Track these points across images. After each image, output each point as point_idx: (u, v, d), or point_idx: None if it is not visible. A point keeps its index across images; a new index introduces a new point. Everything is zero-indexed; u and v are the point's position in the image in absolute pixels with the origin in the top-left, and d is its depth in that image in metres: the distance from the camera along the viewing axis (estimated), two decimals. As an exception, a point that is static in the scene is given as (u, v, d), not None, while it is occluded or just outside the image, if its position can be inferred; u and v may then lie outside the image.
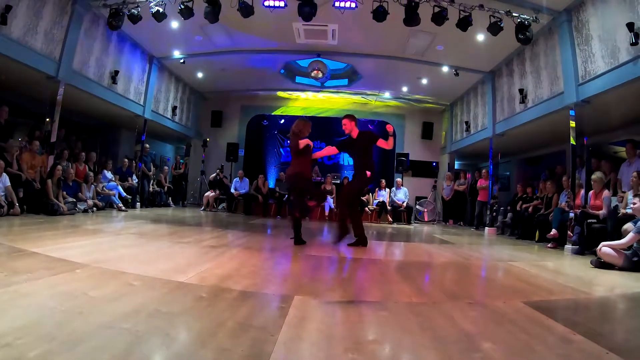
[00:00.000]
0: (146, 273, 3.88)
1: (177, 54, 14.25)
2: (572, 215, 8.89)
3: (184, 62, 14.50)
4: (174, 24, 11.35)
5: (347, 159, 21.38)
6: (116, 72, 12.30)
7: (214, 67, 15.59)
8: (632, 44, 7.50)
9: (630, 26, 7.53)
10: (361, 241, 7.24)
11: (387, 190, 15.85)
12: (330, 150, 8.05)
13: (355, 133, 7.47)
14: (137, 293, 3.20)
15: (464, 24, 9.63)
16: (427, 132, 18.89)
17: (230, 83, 17.47)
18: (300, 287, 3.93)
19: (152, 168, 15.69)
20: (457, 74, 13.88)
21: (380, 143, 7.36)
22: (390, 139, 7.38)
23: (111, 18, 10.23)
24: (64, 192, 9.81)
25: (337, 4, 9.77)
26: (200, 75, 16.49)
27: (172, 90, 16.49)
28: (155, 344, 2.26)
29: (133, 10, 10.10)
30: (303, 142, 6.96)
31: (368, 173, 7.09)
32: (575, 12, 9.40)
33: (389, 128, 7.36)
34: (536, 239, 10.42)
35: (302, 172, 6.99)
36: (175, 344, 2.29)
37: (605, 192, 8.58)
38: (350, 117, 7.57)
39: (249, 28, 11.45)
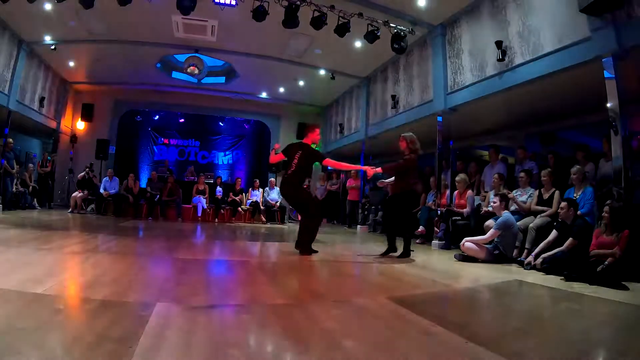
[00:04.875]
0: (1, 285, 3.60)
1: (48, 39, 13.26)
2: (438, 212, 9.60)
3: (55, 49, 13.50)
4: (47, 6, 10.60)
5: (221, 159, 21.28)
6: (-21, 56, 11.32)
7: (87, 56, 14.85)
8: (499, 60, 8.23)
9: (498, 44, 8.22)
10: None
11: (261, 190, 15.85)
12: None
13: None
14: (-11, 307, 2.98)
15: (342, 29, 9.86)
16: (302, 132, 18.88)
17: (104, 75, 16.68)
18: (164, 293, 3.85)
19: (16, 166, 14.51)
20: (333, 78, 14.23)
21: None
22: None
23: (-22, -5, 9.44)
24: None
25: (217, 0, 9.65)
26: (72, 64, 15.54)
27: (40, 78, 15.32)
28: (3, 364, 2.11)
29: (4, -12, 9.37)
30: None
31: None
32: (450, 27, 10.08)
33: (277, 146, 7.65)
34: None
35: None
36: (25, 364, 2.15)
37: (469, 192, 9.31)
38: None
39: (126, 17, 11.05)
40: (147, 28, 12.35)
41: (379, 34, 10.04)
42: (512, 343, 2.82)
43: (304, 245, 6.98)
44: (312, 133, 7.49)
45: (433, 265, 6.77)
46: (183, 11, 9.43)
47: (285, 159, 7.31)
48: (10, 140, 13.55)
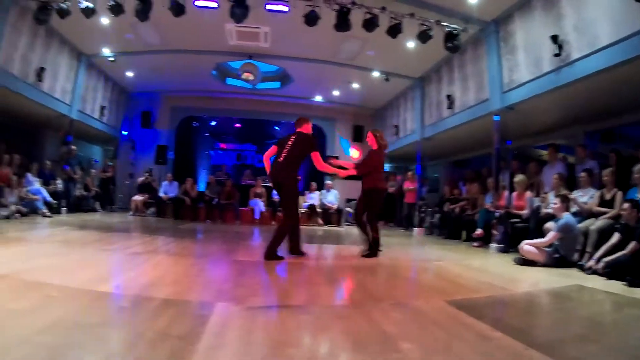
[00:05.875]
0: (68, 283, 3.78)
1: (106, 51, 13.76)
2: (496, 215, 9.27)
3: (114, 61, 14.06)
4: (104, 21, 10.92)
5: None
6: (42, 69, 11.77)
7: (144, 66, 15.24)
8: (555, 55, 7.93)
9: (554, 38, 7.92)
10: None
11: (317, 192, 15.83)
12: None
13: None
14: (57, 305, 3.11)
15: (394, 31, 9.80)
16: (358, 135, 18.89)
17: (160, 83, 17.16)
18: (223, 294, 3.92)
19: (79, 171, 15.11)
20: (387, 79, 14.05)
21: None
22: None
23: (38, 12, 9.84)
24: (-15, 197, 9.39)
25: (269, 7, 9.75)
26: (130, 74, 16.04)
27: (100, 89, 15.97)
28: (71, 358, 2.21)
29: (62, 5, 9.71)
30: None
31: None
32: (503, 24, 9.80)
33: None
34: (463, 239, 10.75)
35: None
36: (92, 358, 2.25)
37: (528, 193, 9.01)
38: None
39: (181, 27, 11.24)
40: (201, 37, 12.58)
41: (431, 33, 9.93)
42: (572, 349, 2.76)
43: (271, 249, 6.29)
44: (306, 124, 7.08)
45: (491, 268, 6.60)
46: (236, 19, 9.61)
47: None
48: (74, 147, 14.22)
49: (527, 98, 9.05)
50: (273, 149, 6.76)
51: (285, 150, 6.48)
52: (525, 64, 9.09)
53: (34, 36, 11.31)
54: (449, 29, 9.95)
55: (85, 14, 9.70)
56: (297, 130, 6.87)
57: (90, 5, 9.61)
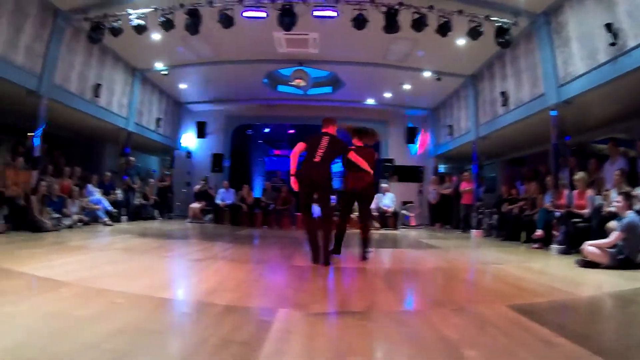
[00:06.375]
0: (131, 290, 3.87)
1: (159, 65, 14.19)
2: (557, 214, 8.89)
3: (167, 74, 14.46)
4: (155, 36, 11.25)
5: (332, 167, 21.38)
6: (98, 86, 12.25)
7: (196, 77, 15.61)
8: (611, 44, 7.62)
9: (608, 27, 7.62)
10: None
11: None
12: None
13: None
14: (122, 311, 3.20)
15: (444, 29, 9.70)
16: (411, 136, 18.85)
17: (213, 93, 17.51)
18: (285, 300, 3.93)
19: (138, 181, 15.57)
20: (439, 79, 13.91)
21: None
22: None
23: (92, 32, 10.26)
24: (49, 208, 9.71)
25: (316, 13, 9.80)
26: (183, 86, 16.47)
27: (155, 101, 16.47)
28: (138, 364, 2.25)
29: (114, 24, 10.09)
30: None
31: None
32: (554, 15, 9.53)
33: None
34: (522, 240, 10.36)
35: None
36: (158, 363, 2.29)
37: (589, 191, 8.59)
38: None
39: (230, 39, 11.42)
40: (250, 47, 12.74)
41: (481, 29, 9.77)
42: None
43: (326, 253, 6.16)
44: (333, 125, 7.00)
45: (553, 271, 6.38)
46: (285, 27, 9.73)
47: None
48: (132, 158, 14.76)
49: (584, 91, 8.73)
50: (301, 146, 6.57)
51: (321, 150, 6.39)
52: (580, 55, 8.77)
53: (88, 55, 11.83)
54: (499, 24, 9.75)
55: (137, 31, 10.04)
56: (325, 131, 6.82)
57: (142, 22, 9.92)
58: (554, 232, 8.83)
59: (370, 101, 17.84)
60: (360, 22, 9.61)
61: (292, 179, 6.48)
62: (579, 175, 8.86)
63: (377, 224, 14.90)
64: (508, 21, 9.73)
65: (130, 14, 9.94)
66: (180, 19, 9.75)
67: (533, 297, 4.27)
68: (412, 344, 2.74)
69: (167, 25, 9.80)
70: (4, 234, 8.20)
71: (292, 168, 6.58)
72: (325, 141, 6.49)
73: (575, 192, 8.92)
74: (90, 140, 15.60)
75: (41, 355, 2.26)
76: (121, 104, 13.95)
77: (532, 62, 10.55)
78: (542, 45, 9.93)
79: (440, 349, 2.63)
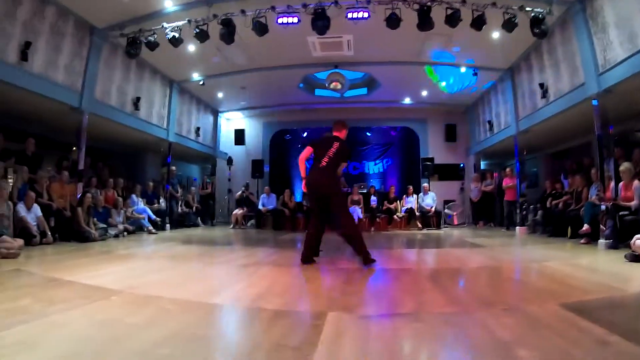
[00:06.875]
0: (180, 296, 3.93)
1: (195, 76, 14.49)
2: (603, 208, 8.65)
3: (203, 84, 14.70)
4: (191, 48, 11.52)
5: (372, 168, 21.36)
6: (138, 99, 12.56)
7: (233, 86, 15.82)
8: None
9: None
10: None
11: (415, 196, 15.62)
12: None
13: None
14: (173, 317, 3.24)
15: (478, 23, 9.57)
16: (451, 134, 18.67)
17: (250, 100, 17.80)
18: (333, 303, 3.91)
19: (180, 189, 15.87)
20: (475, 74, 13.77)
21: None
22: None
23: (129, 47, 10.53)
24: (95, 219, 9.96)
25: (350, 15, 9.79)
26: (220, 95, 16.75)
27: (193, 111, 16.78)
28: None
29: (150, 38, 10.32)
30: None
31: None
32: (589, 1, 9.26)
33: None
34: (569, 236, 10.17)
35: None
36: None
37: (636, 183, 8.23)
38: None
39: (265, 46, 11.50)
40: (285, 52, 12.85)
41: (516, 20, 9.60)
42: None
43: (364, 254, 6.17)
44: (345, 129, 6.83)
45: (602, 267, 6.22)
46: (319, 31, 9.73)
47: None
48: (173, 167, 15.04)
49: (625, 78, 8.37)
50: (309, 151, 6.54)
51: (328, 156, 6.34)
52: (619, 41, 8.47)
53: (126, 69, 12.16)
54: (533, 14, 9.56)
55: (173, 43, 10.22)
56: (335, 135, 6.73)
57: (177, 35, 10.09)
58: (601, 227, 8.56)
59: (407, 100, 17.75)
60: (393, 21, 9.56)
61: (303, 183, 6.52)
62: (625, 166, 8.55)
63: (419, 224, 14.85)
64: (542, 10, 9.54)
65: (165, 28, 10.12)
66: (215, 29, 9.88)
67: (583, 295, 4.15)
68: (464, 344, 2.70)
69: (202, 36, 9.93)
70: (52, 244, 8.44)
71: (302, 172, 6.60)
72: (335, 147, 6.44)
73: (621, 183, 8.62)
74: (132, 151, 15.93)
75: (97, 362, 2.29)
76: (161, 115, 14.22)
77: (569, 51, 10.27)
78: (579, 33, 9.65)
79: (494, 349, 2.59)
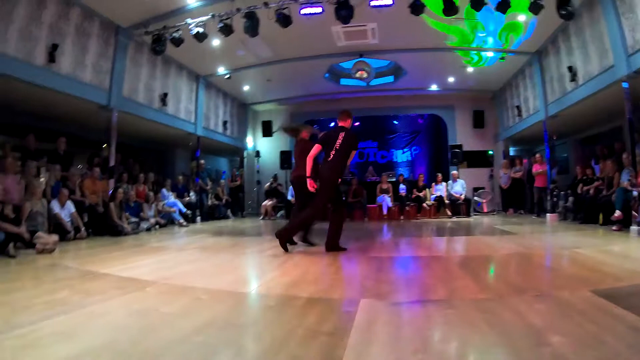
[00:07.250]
0: (213, 286, 3.99)
1: (221, 70, 14.58)
2: (635, 194, 8.47)
3: (229, 78, 14.78)
4: (215, 42, 11.60)
5: (400, 156, 21.28)
6: (165, 95, 12.72)
7: (259, 78, 15.88)
8: None
9: None
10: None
11: (444, 184, 15.52)
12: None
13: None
14: (207, 307, 3.29)
15: (504, 6, 9.41)
16: (479, 120, 18.37)
17: (276, 92, 17.81)
18: (366, 290, 3.93)
19: (209, 182, 16.06)
20: (502, 59, 13.61)
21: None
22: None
23: (154, 44, 10.62)
24: (127, 213, 10.13)
25: (373, 3, 9.76)
26: (246, 88, 16.84)
27: (220, 105, 16.90)
28: (229, 355, 2.32)
29: (174, 34, 10.41)
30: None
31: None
32: (615, -21, 9.04)
33: None
34: (600, 222, 9.92)
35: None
36: (248, 355, 2.37)
37: None
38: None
39: (289, 37, 11.47)
40: (310, 43, 12.85)
41: (542, 2, 9.34)
42: None
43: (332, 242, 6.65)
44: (350, 119, 6.91)
45: (634, 253, 6.04)
46: (342, 20, 9.67)
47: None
48: (202, 161, 15.25)
49: None
50: (317, 149, 6.67)
51: (336, 147, 6.51)
52: (648, 19, 8.31)
53: (153, 66, 12.33)
54: (559, -5, 9.39)
55: (198, 39, 10.29)
56: (341, 125, 6.81)
57: (201, 30, 10.16)
58: (634, 213, 8.38)
59: (433, 87, 17.57)
60: (417, 7, 9.46)
61: (309, 181, 6.56)
62: (656, 150, 8.37)
63: (449, 212, 14.77)
64: (568, -9, 9.35)
65: (189, 24, 10.20)
66: (238, 22, 9.91)
67: (615, 282, 4.09)
68: (497, 330, 2.69)
69: (226, 30, 9.97)
70: (85, 239, 8.61)
71: (308, 170, 6.63)
72: (340, 138, 6.57)
73: (653, 169, 8.41)
74: (161, 146, 16.14)
75: (133, 350, 2.36)
76: (188, 110, 14.37)
77: (597, 32, 10.01)
78: (607, 14, 9.41)
79: (526, 335, 2.58)
